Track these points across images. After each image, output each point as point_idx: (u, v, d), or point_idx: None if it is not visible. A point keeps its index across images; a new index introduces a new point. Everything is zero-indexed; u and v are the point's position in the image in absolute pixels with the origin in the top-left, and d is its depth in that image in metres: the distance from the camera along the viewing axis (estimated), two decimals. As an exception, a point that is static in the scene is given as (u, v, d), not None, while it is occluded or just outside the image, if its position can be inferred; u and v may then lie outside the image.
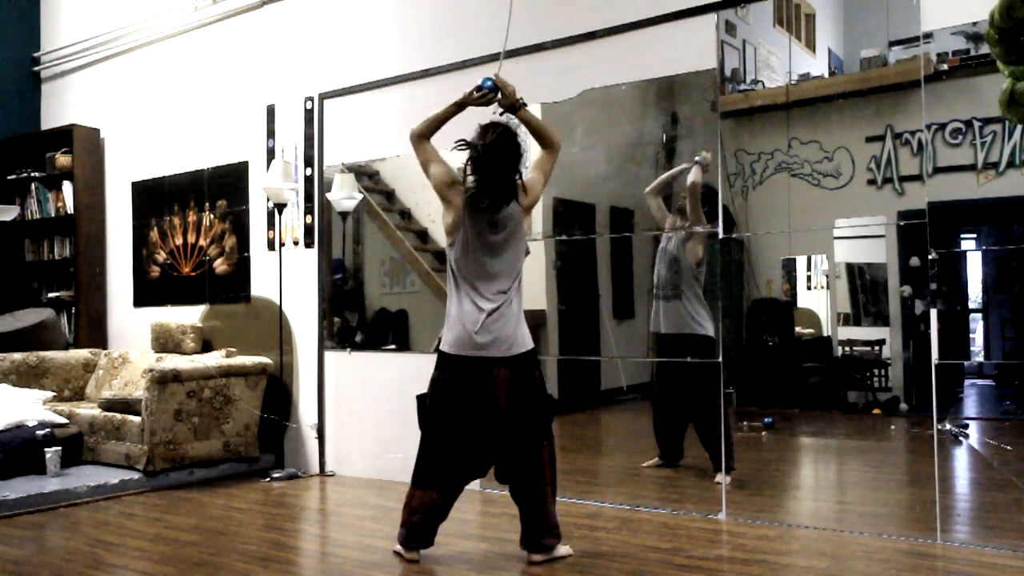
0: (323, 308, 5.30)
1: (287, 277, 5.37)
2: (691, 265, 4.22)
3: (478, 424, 3.21)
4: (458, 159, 3.30)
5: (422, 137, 3.29)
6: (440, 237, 4.52)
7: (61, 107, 7.01)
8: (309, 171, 5.38)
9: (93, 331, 6.49)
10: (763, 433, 4.51)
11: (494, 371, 3.17)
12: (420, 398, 3.35)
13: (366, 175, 5.27)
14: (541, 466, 3.22)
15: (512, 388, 3.19)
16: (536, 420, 3.23)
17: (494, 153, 3.17)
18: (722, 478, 4.01)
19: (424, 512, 3.27)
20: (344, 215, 5.28)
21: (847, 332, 4.35)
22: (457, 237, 3.25)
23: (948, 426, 3.69)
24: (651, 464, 4.49)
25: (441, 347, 3.27)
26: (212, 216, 5.91)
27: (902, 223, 3.82)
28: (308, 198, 5.38)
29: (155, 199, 6.28)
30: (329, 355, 5.29)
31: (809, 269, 4.44)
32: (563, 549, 3.27)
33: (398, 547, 3.34)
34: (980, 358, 4.33)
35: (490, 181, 3.19)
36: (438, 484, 3.26)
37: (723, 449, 4.03)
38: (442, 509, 3.30)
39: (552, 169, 3.35)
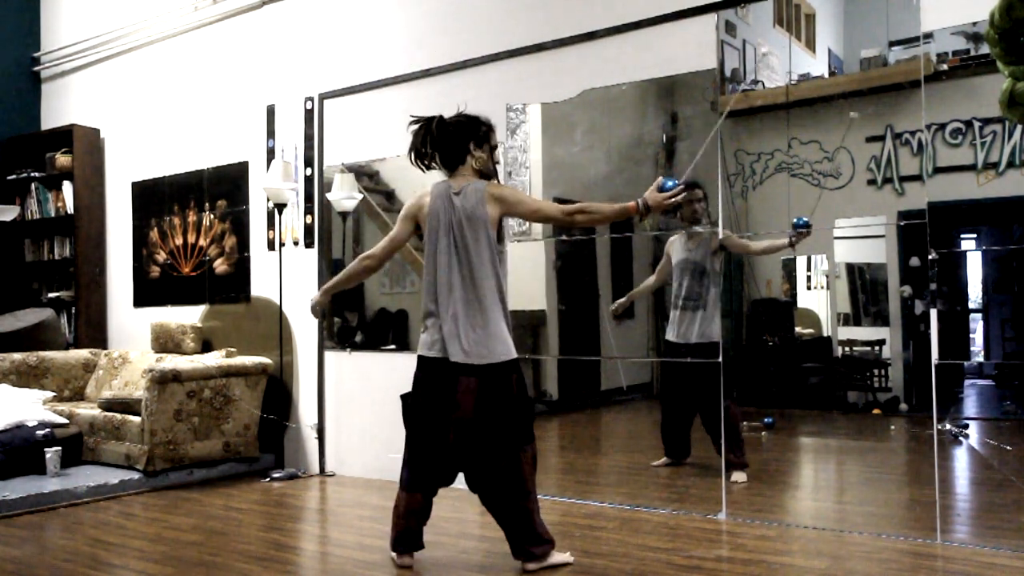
0: (323, 308, 5.29)
1: (287, 277, 5.37)
2: (718, 274, 4.19)
3: (447, 429, 3.14)
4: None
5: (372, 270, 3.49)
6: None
7: (61, 107, 7.01)
8: (309, 171, 5.38)
9: (93, 331, 6.49)
10: (763, 433, 4.51)
11: (460, 379, 3.09)
12: (404, 397, 3.32)
13: (366, 175, 5.27)
14: (519, 475, 3.10)
15: (481, 398, 3.09)
16: (510, 430, 3.11)
17: (447, 122, 3.24)
18: (738, 475, 4.04)
19: (411, 516, 3.24)
20: (344, 215, 5.28)
21: (847, 332, 4.35)
22: (428, 239, 3.22)
23: (948, 426, 3.69)
24: (660, 463, 4.48)
25: (418, 349, 3.24)
26: (212, 216, 5.91)
27: (902, 223, 3.82)
28: (308, 198, 5.38)
29: (155, 199, 6.28)
30: (329, 355, 5.29)
31: (809, 269, 4.44)
32: (560, 556, 3.20)
33: (391, 552, 3.33)
34: (980, 358, 4.33)
35: (443, 144, 3.22)
36: (422, 487, 3.24)
37: (739, 448, 4.06)
38: (427, 511, 3.28)
39: (547, 220, 3.44)
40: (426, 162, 3.26)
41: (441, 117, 3.25)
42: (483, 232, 3.13)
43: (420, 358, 3.23)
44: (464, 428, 3.11)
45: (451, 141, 3.22)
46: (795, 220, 3.99)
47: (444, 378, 3.14)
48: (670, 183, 3.12)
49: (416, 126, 3.27)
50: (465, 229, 3.13)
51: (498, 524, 3.20)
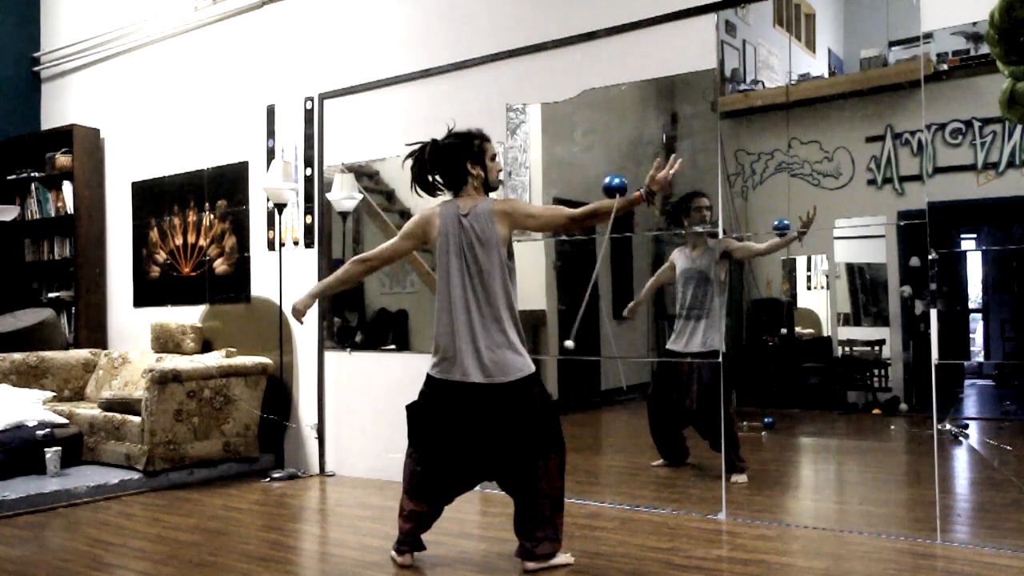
0: (323, 308, 5.30)
1: (287, 277, 5.37)
2: (723, 283, 4.19)
3: (464, 448, 3.17)
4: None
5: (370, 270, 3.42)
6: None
7: (61, 107, 7.01)
8: (309, 171, 5.38)
9: (93, 331, 6.49)
10: (763, 433, 4.51)
11: (483, 399, 3.11)
12: (410, 408, 3.32)
13: (366, 175, 5.27)
14: (535, 482, 3.11)
15: (506, 415, 3.11)
16: (533, 440, 3.12)
17: (439, 146, 3.24)
18: (738, 477, 4.05)
19: (414, 520, 3.26)
20: (344, 215, 5.28)
21: (847, 332, 4.35)
22: (439, 260, 3.22)
23: (948, 426, 3.69)
24: (660, 463, 4.48)
25: (429, 368, 3.24)
26: (212, 216, 5.91)
27: (902, 223, 3.82)
28: (308, 198, 5.38)
29: (155, 199, 6.28)
30: (329, 355, 5.29)
31: (809, 269, 4.44)
32: (561, 557, 3.20)
33: (392, 552, 3.33)
34: (980, 358, 4.33)
35: (440, 169, 3.24)
36: (428, 498, 3.25)
37: (737, 449, 4.07)
38: (432, 519, 3.30)
39: (560, 228, 3.28)
40: (430, 191, 3.31)
41: (433, 142, 3.26)
42: (495, 252, 3.16)
43: (432, 379, 3.22)
44: (489, 444, 3.14)
45: (447, 165, 3.24)
46: (775, 223, 4.01)
47: (462, 399, 3.14)
48: (616, 181, 3.14)
49: (411, 160, 3.30)
50: (477, 250, 3.15)
51: (515, 522, 3.21)
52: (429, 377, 3.25)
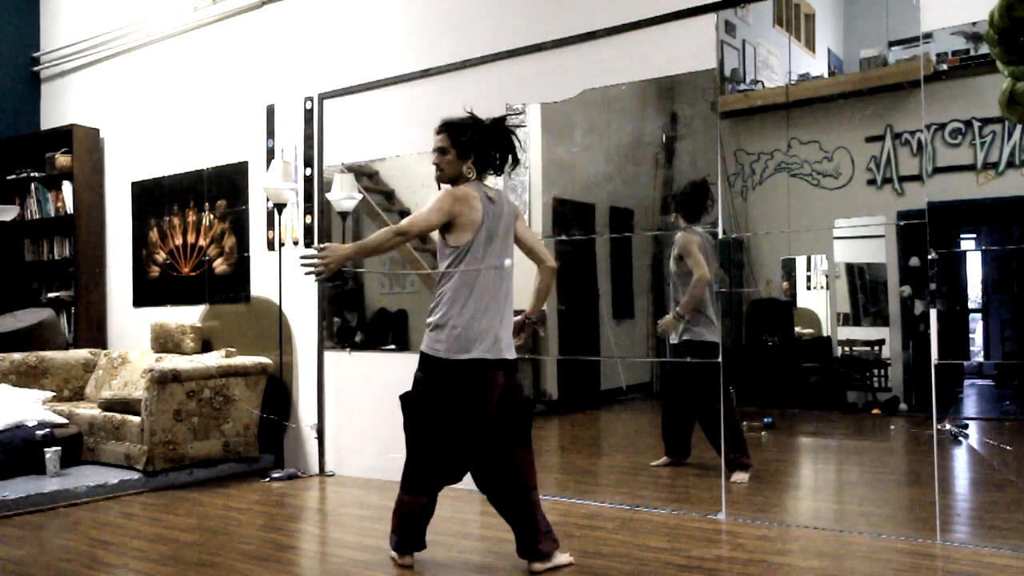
0: (323, 308, 5.30)
1: (287, 277, 5.37)
2: (675, 275, 4.25)
3: (466, 428, 3.15)
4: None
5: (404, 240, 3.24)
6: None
7: (61, 107, 7.01)
8: (309, 171, 5.38)
9: (93, 331, 6.50)
10: (763, 433, 4.51)
11: (491, 375, 3.12)
12: (404, 398, 3.29)
13: (366, 175, 5.27)
14: (526, 472, 3.16)
15: (504, 392, 3.15)
16: (521, 425, 3.19)
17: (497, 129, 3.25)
18: (739, 476, 4.06)
19: (415, 517, 3.25)
20: (344, 215, 5.28)
21: (847, 332, 4.35)
22: (475, 240, 3.12)
23: (948, 426, 3.69)
24: (660, 463, 4.49)
25: (426, 348, 3.15)
26: (212, 216, 5.91)
27: (902, 223, 3.83)
28: (308, 198, 5.38)
29: (155, 199, 6.28)
30: (329, 355, 5.29)
31: (809, 269, 4.44)
32: (563, 557, 3.21)
33: (393, 553, 3.33)
34: (980, 358, 4.33)
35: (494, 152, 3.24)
36: (427, 489, 3.24)
37: (740, 448, 4.08)
38: (430, 511, 3.28)
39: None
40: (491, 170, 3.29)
41: (500, 121, 3.26)
42: (513, 239, 3.28)
43: (440, 360, 3.11)
44: (490, 423, 3.14)
45: (498, 148, 3.25)
46: None
47: (475, 377, 3.11)
48: None
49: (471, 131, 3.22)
50: (508, 237, 3.23)
51: (508, 523, 3.22)
52: (437, 360, 3.12)
